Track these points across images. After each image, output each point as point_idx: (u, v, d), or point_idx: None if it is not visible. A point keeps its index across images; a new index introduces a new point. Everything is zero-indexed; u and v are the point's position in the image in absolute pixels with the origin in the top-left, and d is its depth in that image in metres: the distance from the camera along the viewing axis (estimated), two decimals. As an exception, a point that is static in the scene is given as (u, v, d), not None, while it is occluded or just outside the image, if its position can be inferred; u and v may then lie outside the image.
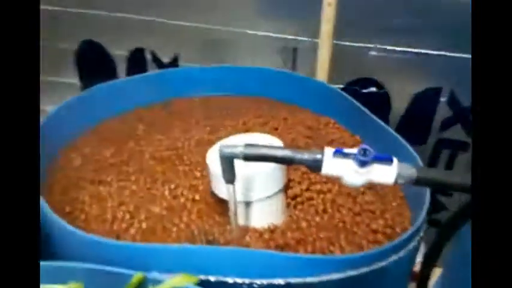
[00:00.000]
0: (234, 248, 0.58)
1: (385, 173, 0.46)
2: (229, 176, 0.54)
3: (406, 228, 0.68)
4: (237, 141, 0.65)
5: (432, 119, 1.22)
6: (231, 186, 0.56)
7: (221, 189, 0.65)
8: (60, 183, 0.76)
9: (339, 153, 0.46)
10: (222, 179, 0.62)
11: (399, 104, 1.22)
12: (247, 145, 0.50)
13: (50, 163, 0.80)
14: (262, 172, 0.62)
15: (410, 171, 0.46)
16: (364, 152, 0.44)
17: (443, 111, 1.19)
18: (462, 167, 1.24)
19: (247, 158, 0.50)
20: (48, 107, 1.48)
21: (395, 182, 0.46)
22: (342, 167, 0.47)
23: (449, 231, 0.61)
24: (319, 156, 0.47)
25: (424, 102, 1.20)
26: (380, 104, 1.24)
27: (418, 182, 0.46)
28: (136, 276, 0.49)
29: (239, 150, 0.50)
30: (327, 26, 1.04)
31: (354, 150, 0.45)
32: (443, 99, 1.18)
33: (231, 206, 0.59)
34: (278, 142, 0.66)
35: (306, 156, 0.48)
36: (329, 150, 0.48)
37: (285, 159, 0.48)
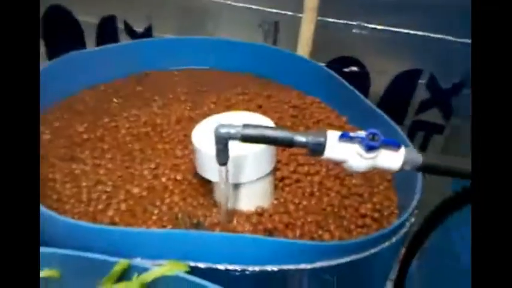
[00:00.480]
0: (224, 233, 0.55)
1: (391, 159, 0.44)
2: (223, 157, 0.51)
3: (393, 212, 0.67)
4: (227, 120, 0.62)
5: (410, 100, 1.22)
6: (223, 168, 0.53)
7: (207, 170, 0.61)
8: (28, 160, 0.70)
9: (345, 137, 0.43)
10: (209, 160, 0.59)
11: (379, 84, 1.21)
12: (245, 125, 0.47)
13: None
14: (253, 153, 0.58)
15: (416, 157, 0.44)
16: (373, 136, 0.42)
17: (421, 93, 1.19)
18: (436, 150, 1.26)
19: (245, 139, 0.46)
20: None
21: (401, 168, 0.44)
22: (346, 152, 0.44)
23: (433, 223, 0.60)
24: (322, 139, 0.44)
25: (403, 84, 1.20)
26: (360, 83, 1.22)
27: (424, 168, 0.44)
28: (121, 263, 0.46)
29: (236, 130, 0.46)
30: (311, 0, 1.00)
31: (362, 134, 0.43)
32: (422, 81, 1.17)
33: (223, 189, 0.55)
34: (269, 122, 0.63)
35: (308, 138, 0.45)
36: (333, 134, 0.45)
37: (285, 141, 0.45)
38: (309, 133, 0.45)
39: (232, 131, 0.47)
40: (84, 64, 0.86)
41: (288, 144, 0.46)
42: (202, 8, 1.25)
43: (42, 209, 0.51)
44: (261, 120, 0.63)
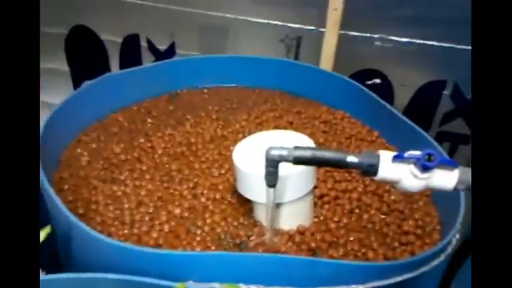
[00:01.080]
0: (275, 255, 0.55)
1: (445, 179, 0.44)
2: (273, 179, 0.51)
3: (435, 228, 0.66)
4: (266, 139, 0.62)
5: (435, 111, 1.21)
6: (271, 190, 0.53)
7: (250, 189, 0.61)
8: (69, 182, 0.71)
9: (399, 158, 0.44)
10: (251, 180, 0.60)
11: (402, 96, 1.21)
12: (297, 147, 0.47)
13: (54, 161, 0.75)
14: (295, 173, 0.59)
15: (471, 177, 0.44)
16: (429, 157, 0.42)
17: (446, 103, 1.19)
18: (462, 161, 1.25)
19: (298, 161, 0.47)
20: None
21: (455, 188, 0.44)
22: (400, 172, 0.44)
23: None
24: (375, 160, 0.45)
25: (427, 95, 1.19)
26: (383, 96, 1.22)
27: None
28: (177, 287, 0.46)
29: (288, 153, 0.47)
30: (333, 14, 1.00)
31: (417, 154, 0.43)
32: (446, 92, 1.17)
33: (269, 210, 0.56)
34: (309, 141, 0.63)
35: (361, 160, 0.45)
36: (386, 154, 0.45)
37: (338, 163, 0.46)
38: (362, 154, 0.45)
39: (284, 153, 0.47)
40: (116, 85, 0.87)
41: (341, 165, 0.46)
42: (224, 24, 1.26)
43: (94, 233, 0.52)
44: (301, 140, 0.64)
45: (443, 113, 1.20)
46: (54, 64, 1.43)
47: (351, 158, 0.45)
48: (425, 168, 0.43)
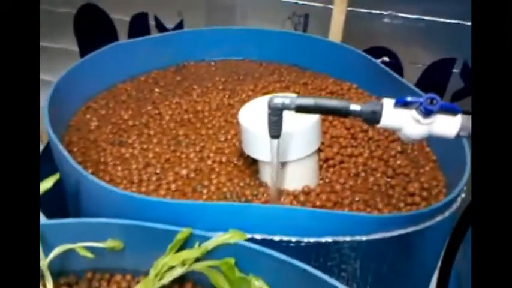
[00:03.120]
0: (280, 206, 0.56)
1: (448, 125, 0.44)
2: (277, 129, 0.51)
3: (441, 191, 0.66)
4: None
5: (444, 90, 1.20)
6: (275, 141, 0.53)
7: (255, 149, 0.62)
8: (78, 145, 0.72)
9: (400, 103, 0.44)
10: (257, 139, 0.60)
11: (411, 74, 1.20)
12: (300, 96, 0.47)
13: (64, 125, 0.76)
14: (299, 131, 0.59)
15: (474, 124, 0.44)
16: (431, 100, 0.42)
17: (455, 82, 1.17)
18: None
19: (300, 108, 0.47)
20: (44, 75, 1.42)
21: (457, 135, 0.44)
22: (402, 118, 0.45)
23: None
24: (377, 107, 0.45)
25: (437, 73, 1.18)
26: (392, 74, 1.22)
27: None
28: (183, 231, 0.47)
29: (291, 100, 0.47)
30: (341, -10, 1.00)
31: (420, 99, 0.43)
32: (456, 70, 1.16)
33: (273, 165, 0.56)
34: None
35: (363, 107, 0.45)
36: (388, 101, 0.45)
37: (341, 110, 0.46)
38: (364, 102, 0.46)
39: (287, 101, 0.47)
40: (124, 55, 0.88)
41: (344, 113, 0.46)
42: (231, 2, 1.27)
43: (103, 184, 0.53)
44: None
45: (453, 92, 1.19)
46: (63, 44, 1.45)
47: (354, 106, 0.46)
48: (427, 113, 0.43)
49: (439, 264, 0.64)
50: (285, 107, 0.48)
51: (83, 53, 1.49)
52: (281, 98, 0.48)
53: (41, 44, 1.43)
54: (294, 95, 0.69)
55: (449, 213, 0.56)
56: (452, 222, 0.60)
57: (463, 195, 0.59)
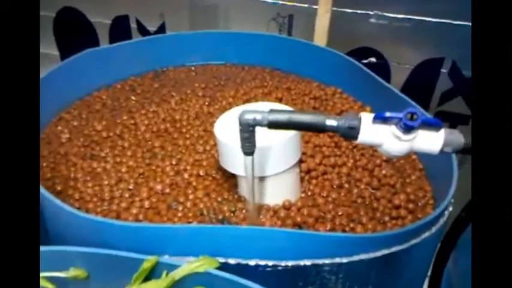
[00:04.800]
0: (255, 227, 0.53)
1: (430, 140, 0.41)
2: (249, 146, 0.48)
3: (429, 203, 0.64)
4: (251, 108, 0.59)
5: (433, 90, 1.18)
6: (249, 158, 0.50)
7: (231, 163, 0.59)
8: (48, 160, 0.68)
9: (379, 118, 0.41)
10: (233, 152, 0.57)
11: (399, 74, 1.18)
12: (272, 110, 0.44)
13: (34, 137, 0.72)
14: (278, 144, 0.56)
15: (458, 138, 0.41)
16: (411, 115, 0.39)
17: (444, 82, 1.15)
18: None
19: (272, 125, 0.44)
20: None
21: (441, 150, 0.41)
22: (381, 134, 0.41)
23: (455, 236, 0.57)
24: (355, 122, 0.42)
25: (424, 73, 1.16)
26: (379, 74, 1.19)
27: (467, 150, 0.41)
28: (149, 260, 0.43)
29: (263, 116, 0.44)
30: (326, -10, 0.96)
31: (399, 114, 0.40)
32: (444, 70, 1.14)
33: (249, 181, 0.53)
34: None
35: (340, 122, 0.42)
36: (367, 116, 0.42)
37: (316, 126, 0.43)
38: (341, 116, 0.43)
39: (258, 116, 0.44)
40: (99, 62, 0.85)
41: (319, 129, 0.43)
42: (214, 3, 1.23)
43: (67, 208, 0.50)
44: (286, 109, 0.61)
45: (442, 92, 1.17)
46: (43, 48, 1.40)
47: (330, 121, 0.42)
48: (408, 129, 0.40)
49: (426, 281, 0.62)
50: (257, 123, 0.44)
51: (63, 57, 1.45)
52: (252, 114, 0.44)
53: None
54: (275, 104, 0.66)
55: (436, 229, 0.53)
56: (440, 237, 0.57)
57: (450, 209, 0.56)
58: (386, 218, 0.60)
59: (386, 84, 0.78)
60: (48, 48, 1.40)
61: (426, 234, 0.52)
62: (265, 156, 0.56)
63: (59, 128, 0.75)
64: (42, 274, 0.44)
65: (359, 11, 1.12)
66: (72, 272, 0.45)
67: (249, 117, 0.45)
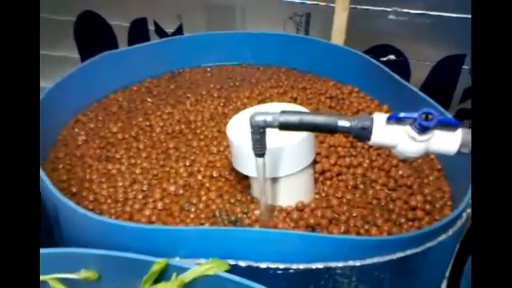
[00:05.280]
0: (266, 229, 0.52)
1: (447, 141, 0.40)
2: (260, 148, 0.48)
3: (447, 204, 0.62)
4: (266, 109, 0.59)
5: (454, 88, 1.15)
6: (260, 160, 0.50)
7: (244, 164, 0.58)
8: (64, 162, 0.69)
9: (393, 119, 0.39)
10: (245, 154, 0.56)
11: (419, 72, 1.15)
12: (283, 112, 0.43)
13: (51, 140, 0.74)
14: (291, 145, 0.55)
15: (476, 139, 0.40)
16: (426, 115, 0.37)
17: (465, 79, 1.12)
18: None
19: (283, 126, 0.43)
20: (45, 83, 1.41)
21: (458, 151, 0.40)
22: (396, 135, 0.40)
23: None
24: (368, 123, 0.41)
25: (445, 71, 1.13)
26: (399, 72, 1.17)
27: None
28: (159, 262, 0.43)
29: (273, 117, 0.43)
30: (343, -12, 0.95)
31: (413, 115, 0.38)
32: (466, 66, 1.10)
33: (260, 183, 0.52)
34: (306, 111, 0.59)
35: (352, 123, 0.41)
36: (380, 116, 0.41)
37: (328, 127, 0.42)
38: (354, 117, 0.42)
39: (269, 118, 0.43)
40: (116, 64, 0.85)
41: (331, 130, 0.42)
42: (231, 4, 1.23)
43: (79, 210, 0.50)
44: (298, 109, 0.60)
45: (464, 89, 1.13)
46: (64, 52, 1.43)
47: (342, 122, 0.42)
48: (423, 129, 0.38)
49: (444, 283, 0.60)
50: (267, 125, 0.44)
51: (83, 60, 1.47)
52: (263, 116, 0.44)
53: (42, 52, 1.42)
54: (289, 104, 0.65)
55: (454, 231, 0.51)
56: (458, 240, 0.56)
57: (468, 211, 0.54)
58: (403, 220, 0.59)
59: (404, 83, 0.76)
60: (69, 51, 1.42)
61: (443, 237, 0.50)
62: (277, 157, 0.55)
63: (76, 130, 0.76)
64: (53, 275, 0.45)
65: (377, 8, 1.10)
66: (83, 274, 0.45)
67: (259, 118, 0.44)
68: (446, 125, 0.39)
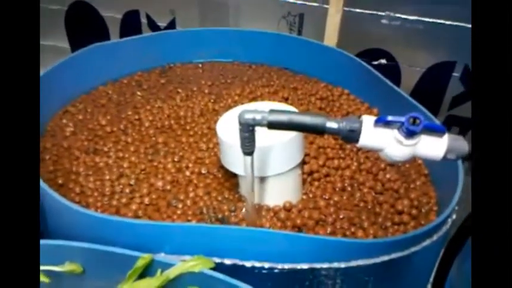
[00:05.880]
0: (252, 228, 0.52)
1: (433, 146, 0.40)
2: (249, 146, 0.48)
3: (432, 209, 0.62)
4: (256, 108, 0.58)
5: (444, 94, 1.16)
6: (248, 158, 0.50)
7: (232, 162, 0.58)
8: (51, 152, 0.68)
9: (381, 122, 0.40)
10: (234, 151, 0.56)
11: (410, 77, 1.16)
12: (272, 111, 0.43)
13: (41, 129, 0.72)
14: (279, 144, 0.55)
15: (462, 145, 0.40)
16: (414, 120, 0.38)
17: (455, 86, 1.13)
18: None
19: (272, 125, 0.43)
20: (35, 72, 1.39)
21: (444, 157, 0.40)
22: (383, 138, 0.41)
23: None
24: (356, 125, 0.41)
25: (436, 77, 1.14)
26: (390, 77, 1.18)
27: (471, 157, 0.40)
28: (143, 258, 0.43)
29: (262, 116, 0.43)
30: (338, -10, 0.95)
31: (401, 118, 0.39)
32: (456, 73, 1.12)
33: (248, 181, 0.52)
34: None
35: (341, 125, 0.41)
36: (368, 118, 0.41)
37: (316, 127, 0.42)
38: (343, 119, 0.42)
39: (258, 116, 0.43)
40: (107, 56, 0.85)
41: (319, 131, 0.42)
42: (225, 1, 1.23)
43: (65, 202, 0.49)
44: (288, 109, 0.60)
45: (453, 96, 1.15)
46: (54, 41, 1.41)
47: (331, 124, 0.42)
48: (410, 133, 0.39)
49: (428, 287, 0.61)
50: (256, 123, 0.44)
51: (74, 51, 1.45)
52: (252, 114, 0.44)
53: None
54: (279, 104, 0.65)
55: (438, 236, 0.52)
56: (442, 245, 0.56)
57: (454, 216, 0.55)
58: (389, 224, 0.59)
59: (394, 87, 0.77)
60: (60, 41, 1.40)
61: (427, 242, 0.51)
62: (266, 156, 0.55)
63: (64, 121, 0.75)
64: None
65: (371, 12, 1.10)
66: (67, 267, 0.45)
67: (248, 116, 0.44)
68: (433, 131, 0.39)
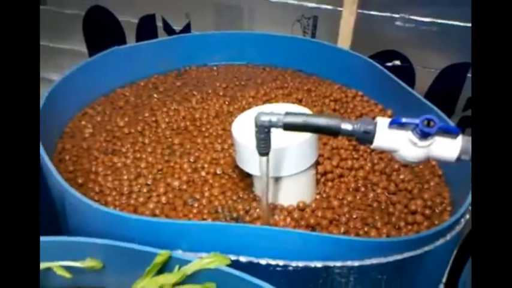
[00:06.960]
0: (267, 227, 0.53)
1: (447, 148, 0.41)
2: (265, 147, 0.49)
3: (446, 209, 0.63)
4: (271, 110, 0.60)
5: (458, 96, 1.16)
6: (264, 159, 0.51)
7: (247, 163, 0.59)
8: (71, 153, 0.71)
9: (395, 123, 0.40)
10: (249, 152, 0.57)
11: (424, 78, 1.16)
12: (288, 113, 0.44)
13: (59, 131, 0.75)
14: (294, 145, 0.56)
15: (476, 146, 0.41)
16: (428, 122, 0.38)
17: (469, 87, 1.13)
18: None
19: (288, 127, 0.44)
20: (53, 75, 1.42)
21: (459, 158, 0.41)
22: (397, 140, 0.41)
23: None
24: (371, 127, 0.42)
25: (450, 78, 1.14)
26: (404, 78, 1.18)
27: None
28: (162, 254, 0.44)
29: (278, 118, 0.44)
30: (351, -8, 0.96)
31: (415, 120, 0.39)
32: (470, 75, 1.11)
33: (263, 182, 0.53)
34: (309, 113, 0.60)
35: (355, 126, 0.42)
36: (383, 120, 0.42)
37: (331, 129, 0.43)
38: (357, 121, 0.43)
39: (274, 118, 0.44)
40: (124, 59, 0.87)
41: (334, 132, 0.43)
42: (239, 4, 1.24)
43: (86, 200, 0.51)
44: (303, 111, 0.61)
45: (467, 98, 1.14)
46: (72, 45, 1.45)
47: (345, 125, 0.43)
48: (424, 135, 0.39)
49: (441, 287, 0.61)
50: (272, 125, 0.45)
51: (91, 55, 1.48)
52: (268, 116, 0.45)
53: (51, 44, 1.43)
54: (293, 106, 0.66)
55: (452, 236, 0.52)
56: (455, 245, 0.56)
57: (467, 216, 0.55)
58: (402, 223, 0.59)
59: (408, 88, 0.77)
60: (77, 45, 1.43)
61: (440, 242, 0.51)
62: (281, 157, 0.56)
63: (83, 122, 0.77)
64: (59, 263, 0.46)
65: (384, 14, 1.10)
66: (88, 262, 0.46)
67: (264, 118, 0.45)
68: (447, 132, 0.40)
